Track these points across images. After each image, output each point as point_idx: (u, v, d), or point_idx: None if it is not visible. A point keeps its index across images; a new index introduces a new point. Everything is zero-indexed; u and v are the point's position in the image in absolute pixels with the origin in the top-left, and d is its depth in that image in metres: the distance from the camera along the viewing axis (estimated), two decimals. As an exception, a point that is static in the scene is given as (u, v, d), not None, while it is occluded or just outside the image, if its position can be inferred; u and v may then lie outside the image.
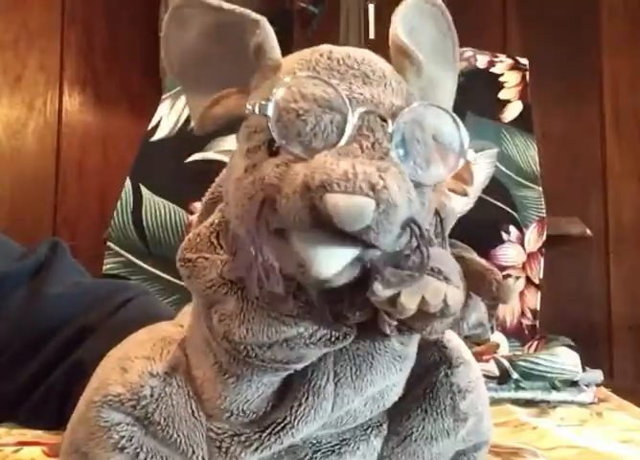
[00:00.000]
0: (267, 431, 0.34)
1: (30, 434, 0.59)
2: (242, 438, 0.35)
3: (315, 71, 0.31)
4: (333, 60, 0.32)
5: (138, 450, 0.34)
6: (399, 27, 0.33)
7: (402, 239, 0.29)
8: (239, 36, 0.33)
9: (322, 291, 0.30)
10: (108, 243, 1.10)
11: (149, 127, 1.18)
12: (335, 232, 0.27)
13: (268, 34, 0.33)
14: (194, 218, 1.04)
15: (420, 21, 0.34)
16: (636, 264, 1.52)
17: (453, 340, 0.39)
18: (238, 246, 0.31)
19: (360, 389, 0.34)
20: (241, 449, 0.35)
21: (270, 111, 0.29)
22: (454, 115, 0.32)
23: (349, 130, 0.29)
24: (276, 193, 0.28)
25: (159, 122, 1.18)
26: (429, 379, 0.38)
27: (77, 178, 1.48)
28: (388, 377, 0.35)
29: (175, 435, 0.34)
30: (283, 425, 0.34)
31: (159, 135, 1.16)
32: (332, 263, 0.28)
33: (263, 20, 0.33)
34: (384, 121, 0.30)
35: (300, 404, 0.34)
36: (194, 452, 0.34)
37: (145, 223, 1.07)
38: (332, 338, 0.32)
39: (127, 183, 1.11)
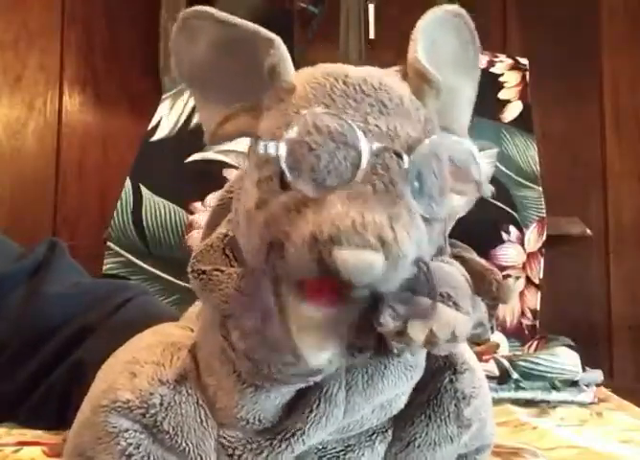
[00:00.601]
0: (279, 438, 0.34)
1: (30, 434, 0.59)
2: (254, 445, 0.34)
3: (331, 98, 0.30)
4: (349, 86, 0.31)
5: (145, 458, 0.34)
6: (418, 46, 0.32)
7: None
8: (251, 52, 0.32)
9: None
10: (108, 243, 1.10)
11: (149, 127, 1.18)
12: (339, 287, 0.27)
13: (283, 54, 0.32)
14: (194, 217, 1.04)
15: (441, 33, 0.34)
16: (636, 264, 1.52)
17: (459, 345, 0.38)
18: (243, 285, 0.31)
19: (371, 397, 0.34)
20: (253, 457, 0.34)
21: (282, 151, 0.29)
22: (471, 145, 0.31)
23: (363, 169, 0.28)
24: (285, 239, 0.28)
25: (159, 122, 1.18)
26: (434, 385, 0.37)
27: (77, 178, 1.48)
28: (399, 386, 0.35)
29: (184, 444, 0.34)
30: (294, 432, 0.34)
31: (159, 135, 1.16)
32: (322, 354, 0.29)
33: (278, 40, 0.32)
34: (400, 156, 0.29)
35: (312, 411, 0.34)
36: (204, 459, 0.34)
37: (145, 223, 1.07)
38: (352, 353, 0.31)
39: (127, 183, 1.11)
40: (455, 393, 0.37)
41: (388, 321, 0.29)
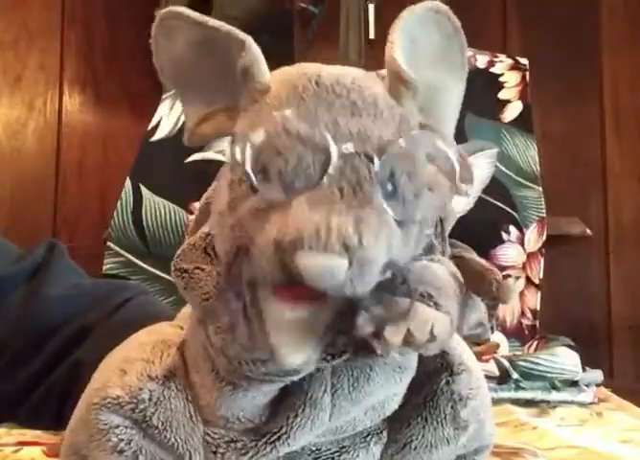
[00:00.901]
0: (264, 440, 0.34)
1: (30, 434, 0.59)
2: (239, 445, 0.34)
3: (302, 99, 0.30)
4: (321, 87, 0.31)
5: (137, 453, 0.34)
6: (395, 46, 0.31)
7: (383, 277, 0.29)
8: (225, 53, 0.32)
9: None
10: (108, 243, 1.10)
11: (149, 127, 1.18)
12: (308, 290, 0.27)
13: (255, 55, 0.32)
14: (193, 218, 1.04)
15: (421, 30, 0.33)
16: (636, 264, 1.52)
17: (457, 346, 0.38)
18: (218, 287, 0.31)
19: (358, 401, 0.34)
20: (237, 456, 0.34)
21: (247, 155, 0.28)
22: (449, 144, 0.31)
23: (330, 172, 0.28)
24: (250, 244, 0.28)
25: (159, 122, 1.18)
26: (430, 386, 0.37)
27: (77, 178, 1.48)
28: (387, 388, 0.35)
29: (173, 439, 0.34)
30: (279, 434, 0.34)
31: (159, 135, 1.16)
32: (298, 355, 0.29)
33: (249, 41, 0.32)
34: (370, 159, 0.29)
35: (297, 415, 0.34)
36: (190, 457, 0.34)
37: (145, 223, 1.07)
38: (327, 357, 0.31)
39: (127, 183, 1.11)
40: (452, 395, 0.37)
41: (363, 324, 0.29)
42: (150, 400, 0.34)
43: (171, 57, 0.34)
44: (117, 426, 0.34)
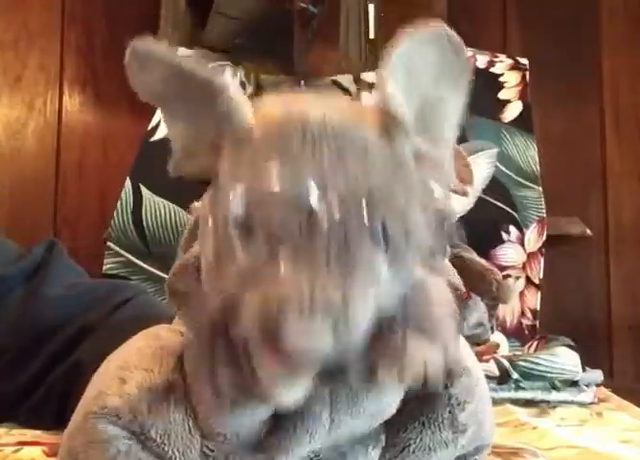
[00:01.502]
0: (262, 455, 0.34)
1: (30, 434, 0.59)
2: (237, 458, 0.34)
3: (287, 149, 0.29)
4: (307, 134, 0.29)
5: None
6: (388, 81, 0.30)
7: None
8: (204, 91, 0.31)
9: None
10: (108, 243, 1.10)
11: (149, 127, 1.18)
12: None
13: (235, 100, 0.31)
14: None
15: (419, 52, 0.31)
16: (636, 264, 1.52)
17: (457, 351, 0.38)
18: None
19: (357, 414, 0.34)
20: None
21: (238, 211, 0.28)
22: (443, 179, 0.31)
23: (319, 232, 0.27)
24: (238, 306, 0.28)
25: (159, 122, 1.18)
26: (426, 389, 0.37)
27: (77, 178, 1.48)
28: (387, 397, 0.35)
29: (171, 452, 0.34)
30: (277, 448, 0.34)
31: (159, 135, 1.16)
32: (292, 394, 0.28)
33: (231, 86, 0.31)
34: (360, 213, 0.28)
35: (295, 431, 0.33)
36: None
37: (145, 223, 1.07)
38: (329, 380, 0.30)
39: (127, 183, 1.11)
40: (449, 399, 0.37)
41: (355, 366, 0.28)
42: (150, 412, 0.34)
43: (146, 87, 0.33)
44: (115, 437, 0.34)
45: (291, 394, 0.28)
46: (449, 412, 0.37)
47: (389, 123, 0.30)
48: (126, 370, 0.35)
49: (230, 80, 0.31)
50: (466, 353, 0.39)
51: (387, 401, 0.35)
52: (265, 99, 0.32)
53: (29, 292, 0.64)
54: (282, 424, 0.34)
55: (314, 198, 0.28)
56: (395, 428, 0.37)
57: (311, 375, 0.28)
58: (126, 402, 0.34)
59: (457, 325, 0.31)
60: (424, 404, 0.37)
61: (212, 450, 0.34)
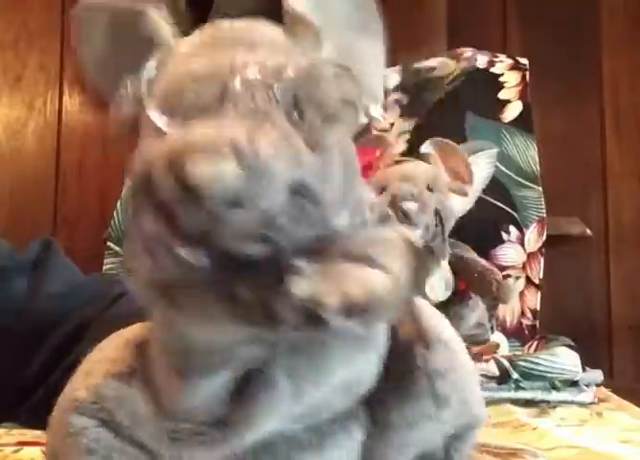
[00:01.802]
0: (229, 431, 0.34)
1: (30, 434, 0.59)
2: (206, 438, 0.34)
3: (199, 45, 0.31)
4: (218, 31, 0.31)
5: (109, 451, 0.34)
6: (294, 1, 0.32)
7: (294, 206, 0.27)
8: (132, 32, 0.33)
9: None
10: (108, 243, 1.10)
11: (149, 127, 1.17)
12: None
13: (155, 20, 0.32)
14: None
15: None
16: (636, 264, 1.52)
17: (433, 318, 0.37)
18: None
19: (319, 381, 0.33)
20: (205, 449, 0.34)
21: (147, 97, 0.29)
22: (350, 71, 0.30)
23: (228, 102, 0.28)
24: (151, 165, 0.27)
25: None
26: (405, 361, 0.36)
27: (77, 178, 1.48)
28: (351, 365, 0.34)
29: (140, 434, 0.34)
30: (242, 422, 0.34)
31: (159, 135, 1.15)
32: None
33: (147, 8, 0.32)
34: (270, 86, 0.28)
35: (256, 401, 0.33)
36: (159, 450, 0.34)
37: (145, 223, 1.07)
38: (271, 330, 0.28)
39: (127, 183, 1.11)
40: (428, 369, 0.36)
41: (300, 287, 0.27)
42: (115, 397, 0.34)
43: (93, 55, 0.34)
44: (85, 428, 0.34)
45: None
46: (428, 381, 0.36)
47: (295, 27, 0.32)
48: (92, 363, 0.36)
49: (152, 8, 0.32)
50: (443, 327, 0.38)
51: (356, 370, 0.34)
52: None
53: (28, 288, 0.64)
54: (244, 397, 0.33)
55: (225, 72, 0.28)
56: (375, 404, 0.36)
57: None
58: (92, 391, 0.34)
59: (412, 270, 0.29)
60: (403, 376, 0.36)
61: (180, 433, 0.34)
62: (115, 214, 1.10)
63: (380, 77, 0.34)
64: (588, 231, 1.28)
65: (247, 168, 0.25)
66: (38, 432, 0.59)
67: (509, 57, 1.31)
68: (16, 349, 0.62)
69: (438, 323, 0.37)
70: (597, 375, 0.89)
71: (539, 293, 1.15)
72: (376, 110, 0.32)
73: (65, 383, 0.52)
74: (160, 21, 0.32)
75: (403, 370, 0.36)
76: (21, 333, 0.63)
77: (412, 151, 1.07)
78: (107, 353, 0.36)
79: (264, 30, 0.32)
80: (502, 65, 1.27)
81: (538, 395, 0.82)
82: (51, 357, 0.62)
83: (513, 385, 0.82)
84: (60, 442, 0.35)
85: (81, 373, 0.36)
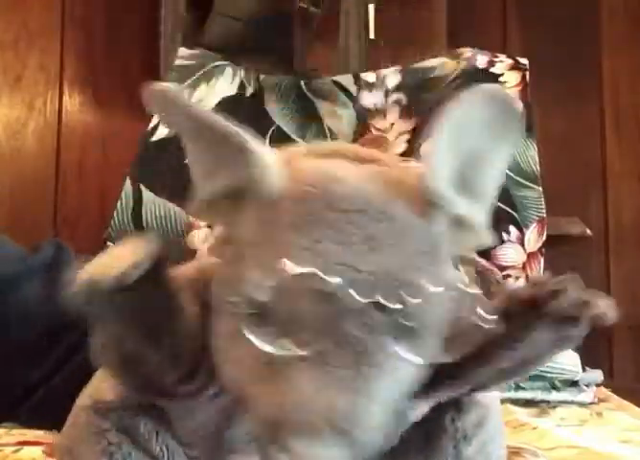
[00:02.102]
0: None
1: (30, 434, 0.59)
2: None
3: (316, 227, 0.27)
4: (336, 212, 0.27)
5: (125, 457, 0.34)
6: (437, 152, 0.28)
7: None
8: (230, 147, 0.29)
9: None
10: (108, 243, 1.10)
11: (149, 127, 1.18)
12: None
13: (265, 166, 0.28)
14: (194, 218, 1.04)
15: (470, 115, 0.30)
16: (636, 264, 1.52)
17: None
18: None
19: None
20: None
21: (264, 297, 0.26)
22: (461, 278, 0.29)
23: (344, 328, 0.26)
24: (249, 403, 0.27)
25: (159, 122, 1.18)
26: (434, 422, 0.35)
27: (77, 178, 1.48)
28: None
29: (158, 449, 0.34)
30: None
31: (159, 135, 1.16)
32: None
33: (264, 151, 0.29)
34: (384, 308, 0.26)
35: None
36: None
37: (145, 223, 1.07)
38: None
39: (127, 183, 1.11)
40: (456, 433, 0.35)
41: None
42: (140, 407, 0.34)
43: (172, 125, 0.32)
44: (107, 430, 0.34)
45: None
46: (454, 448, 0.35)
47: (427, 204, 0.28)
48: None
49: (255, 140, 0.29)
50: None
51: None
52: (294, 156, 0.30)
53: (42, 291, 0.64)
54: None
55: (341, 292, 0.26)
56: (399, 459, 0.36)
57: None
58: (119, 397, 0.35)
59: None
60: (429, 437, 0.35)
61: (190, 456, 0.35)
62: (115, 214, 1.10)
63: (499, 181, 0.31)
64: (588, 231, 1.28)
65: (352, 448, 0.25)
66: (38, 432, 0.59)
67: (509, 57, 1.30)
68: (28, 351, 0.63)
69: None
70: (597, 375, 0.89)
71: (539, 293, 1.15)
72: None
73: (68, 386, 0.52)
74: (271, 166, 0.29)
75: (430, 430, 0.35)
76: (33, 336, 0.63)
77: (412, 151, 1.07)
78: None
79: (387, 210, 0.28)
80: (502, 65, 1.27)
81: (538, 395, 0.82)
82: (58, 361, 0.62)
83: (513, 385, 0.82)
84: (77, 439, 0.35)
85: (109, 377, 0.35)
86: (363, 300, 0.26)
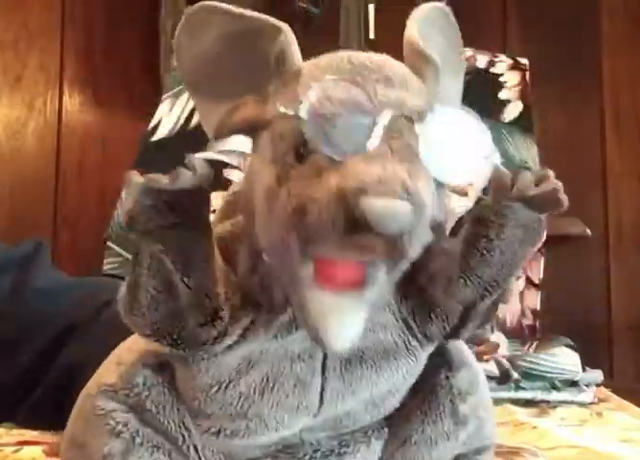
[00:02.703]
0: (253, 424, 0.34)
1: (30, 434, 0.59)
2: (228, 432, 0.35)
3: (339, 74, 0.31)
4: (355, 64, 0.32)
5: (134, 435, 0.34)
6: (413, 30, 0.33)
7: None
8: (257, 42, 0.33)
9: None
10: (108, 243, 1.10)
11: (149, 127, 1.18)
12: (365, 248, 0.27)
13: (291, 40, 0.33)
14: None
15: (429, 30, 0.35)
16: (636, 264, 1.52)
17: (457, 343, 0.39)
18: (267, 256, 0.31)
19: (350, 383, 0.34)
20: (229, 441, 0.35)
21: (304, 112, 0.29)
22: (479, 119, 0.32)
23: (378, 133, 0.29)
24: (308, 202, 0.28)
25: (159, 122, 1.18)
26: (429, 381, 0.38)
27: (77, 178, 1.48)
28: (381, 374, 0.35)
29: (166, 423, 0.35)
30: (269, 418, 0.34)
31: (159, 135, 1.16)
32: (345, 339, 0.29)
33: (286, 26, 0.33)
34: (411, 122, 0.30)
35: (287, 397, 0.34)
36: (184, 440, 0.35)
37: (145, 223, 1.07)
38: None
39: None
40: (451, 389, 0.37)
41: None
42: (145, 384, 0.35)
43: (196, 55, 0.34)
44: (113, 411, 0.35)
45: (344, 339, 0.29)
46: (450, 402, 0.37)
47: (419, 62, 0.33)
48: (122, 355, 0.37)
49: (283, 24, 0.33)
50: (467, 350, 0.39)
51: (386, 382, 0.35)
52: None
53: (18, 281, 0.64)
54: (272, 392, 0.34)
55: (374, 102, 0.30)
56: (398, 420, 0.38)
57: (364, 311, 0.29)
58: (122, 377, 0.35)
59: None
60: (426, 395, 0.38)
61: (203, 429, 0.35)
62: (115, 214, 1.10)
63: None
64: (588, 231, 1.28)
65: (415, 206, 0.27)
66: (38, 432, 0.59)
67: (509, 57, 1.31)
68: (2, 344, 0.62)
69: (461, 345, 0.39)
70: (597, 375, 0.89)
71: (539, 293, 1.15)
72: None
73: (61, 385, 0.52)
74: (295, 42, 0.33)
75: (427, 389, 0.38)
76: (3, 333, 0.63)
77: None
78: (137, 345, 0.37)
79: (395, 66, 0.33)
80: (502, 65, 1.27)
81: (538, 395, 0.82)
82: (40, 357, 0.62)
83: (513, 385, 0.82)
84: (84, 425, 0.35)
85: (111, 363, 0.37)
86: (392, 111, 0.30)
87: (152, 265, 0.32)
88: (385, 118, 0.29)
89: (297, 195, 0.29)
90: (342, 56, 0.33)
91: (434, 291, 0.35)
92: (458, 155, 0.31)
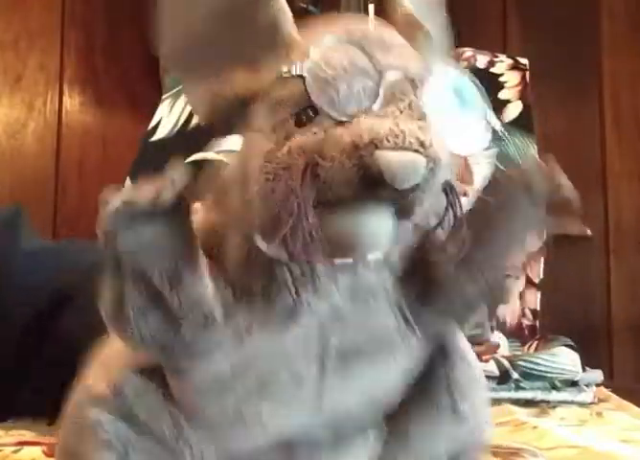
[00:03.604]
0: (251, 424, 0.34)
1: (29, 434, 0.59)
2: (226, 432, 0.35)
3: (337, 40, 0.31)
4: (352, 33, 0.32)
5: (126, 447, 0.34)
6: (406, 1, 0.34)
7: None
8: (245, 15, 0.33)
9: None
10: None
11: (149, 127, 1.18)
12: (379, 198, 0.28)
13: (283, 7, 0.33)
14: (193, 218, 1.04)
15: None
16: (636, 264, 1.52)
17: (457, 340, 0.39)
18: (277, 216, 0.31)
19: (347, 380, 0.34)
20: (227, 440, 0.35)
21: (307, 74, 0.29)
22: (471, 77, 0.33)
23: (382, 94, 0.29)
24: (319, 158, 0.28)
25: (159, 122, 1.18)
26: (428, 375, 0.37)
27: (77, 178, 1.48)
28: (378, 369, 0.35)
29: (160, 429, 0.35)
30: (266, 417, 0.34)
31: (159, 135, 1.16)
32: (377, 235, 0.29)
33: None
34: (414, 85, 0.30)
35: (284, 395, 0.34)
36: (179, 444, 0.35)
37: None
38: None
39: (127, 183, 1.11)
40: (449, 385, 0.37)
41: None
42: (135, 393, 0.35)
43: (187, 31, 0.33)
44: (104, 422, 0.34)
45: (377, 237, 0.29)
46: (449, 397, 0.37)
47: (413, 31, 0.34)
48: (110, 360, 0.36)
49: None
50: (466, 348, 0.39)
51: (380, 372, 0.35)
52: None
53: (3, 243, 0.63)
54: (269, 388, 0.34)
55: (375, 65, 0.30)
56: (396, 415, 0.37)
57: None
58: (112, 386, 0.35)
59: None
60: (426, 393, 0.37)
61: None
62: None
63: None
64: (588, 231, 1.28)
65: (429, 159, 0.28)
66: (38, 433, 0.59)
67: (509, 57, 1.31)
68: None
69: (459, 339, 0.38)
70: (597, 375, 0.89)
71: (539, 293, 1.15)
72: None
73: (53, 371, 0.52)
74: (288, 9, 0.33)
75: (425, 383, 0.37)
76: None
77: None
78: (124, 351, 0.36)
79: (391, 33, 0.33)
80: (502, 65, 1.27)
81: (538, 395, 0.82)
82: (35, 323, 0.61)
83: (513, 385, 0.82)
84: (75, 435, 0.35)
85: (99, 365, 0.36)
86: (394, 73, 0.30)
87: (137, 281, 0.31)
88: (389, 79, 0.29)
89: (306, 153, 0.28)
90: (339, 27, 0.33)
91: (432, 284, 0.35)
92: (459, 120, 0.31)
